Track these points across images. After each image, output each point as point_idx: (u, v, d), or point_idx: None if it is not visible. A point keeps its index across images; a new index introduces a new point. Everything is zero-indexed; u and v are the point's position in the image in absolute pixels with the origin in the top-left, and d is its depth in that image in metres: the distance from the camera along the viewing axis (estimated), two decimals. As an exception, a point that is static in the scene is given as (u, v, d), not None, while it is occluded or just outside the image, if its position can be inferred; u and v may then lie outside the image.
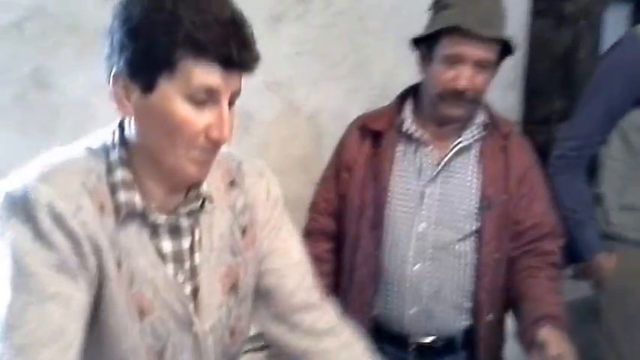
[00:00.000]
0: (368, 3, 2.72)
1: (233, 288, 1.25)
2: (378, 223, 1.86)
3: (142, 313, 1.12)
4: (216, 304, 1.22)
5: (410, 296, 1.85)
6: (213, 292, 1.21)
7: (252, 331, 1.34)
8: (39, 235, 1.02)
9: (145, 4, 1.03)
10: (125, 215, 1.11)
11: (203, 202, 1.20)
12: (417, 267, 1.84)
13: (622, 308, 2.29)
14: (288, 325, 1.31)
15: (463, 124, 1.88)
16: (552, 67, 3.33)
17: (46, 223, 1.02)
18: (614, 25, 3.52)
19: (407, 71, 2.78)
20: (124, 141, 1.13)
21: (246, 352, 1.67)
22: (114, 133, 1.15)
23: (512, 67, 3.19)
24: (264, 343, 1.43)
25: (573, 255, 2.28)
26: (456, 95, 1.78)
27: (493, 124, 1.90)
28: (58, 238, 1.03)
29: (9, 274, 1.02)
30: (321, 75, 2.70)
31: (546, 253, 1.91)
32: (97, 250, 1.07)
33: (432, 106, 1.85)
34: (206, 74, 1.03)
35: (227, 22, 1.02)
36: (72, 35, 2.06)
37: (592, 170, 2.36)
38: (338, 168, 1.96)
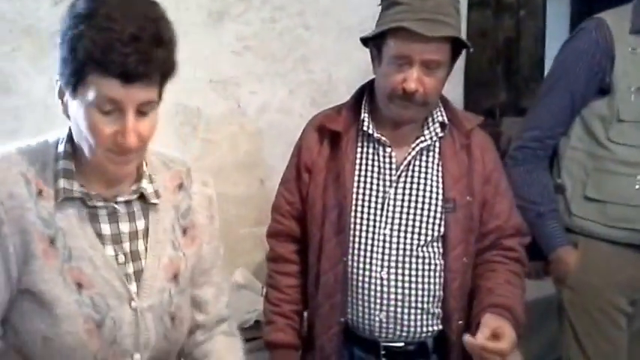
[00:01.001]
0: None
1: (175, 277, 1.37)
2: (342, 228, 1.80)
3: (80, 286, 1.25)
4: (158, 288, 1.34)
5: (378, 301, 1.78)
6: (155, 277, 1.34)
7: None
8: None
9: (67, 22, 1.18)
10: (62, 199, 1.25)
11: (142, 195, 1.34)
12: (383, 272, 1.78)
13: (583, 303, 2.24)
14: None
15: (421, 123, 1.81)
16: (494, 57, 3.32)
17: None
18: (556, 12, 3.58)
19: (348, 66, 2.83)
20: (71, 137, 1.28)
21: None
22: (68, 129, 1.28)
23: (453, 59, 3.25)
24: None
25: (537, 251, 2.23)
26: (405, 97, 1.70)
27: (454, 122, 1.83)
28: None
29: None
30: (265, 71, 2.67)
31: (508, 249, 1.88)
32: (22, 233, 1.22)
33: (383, 107, 1.78)
34: (107, 88, 1.15)
35: (127, 39, 1.13)
36: (29, 39, 2.06)
37: (551, 161, 2.32)
38: (298, 170, 1.89)
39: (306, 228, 1.90)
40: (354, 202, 1.80)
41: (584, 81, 2.16)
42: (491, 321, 1.67)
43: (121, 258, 1.31)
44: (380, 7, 1.78)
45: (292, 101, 2.73)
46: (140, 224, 1.34)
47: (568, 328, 2.27)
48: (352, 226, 1.80)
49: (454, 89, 3.31)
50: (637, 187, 2.14)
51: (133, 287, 1.31)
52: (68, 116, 1.25)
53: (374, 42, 1.77)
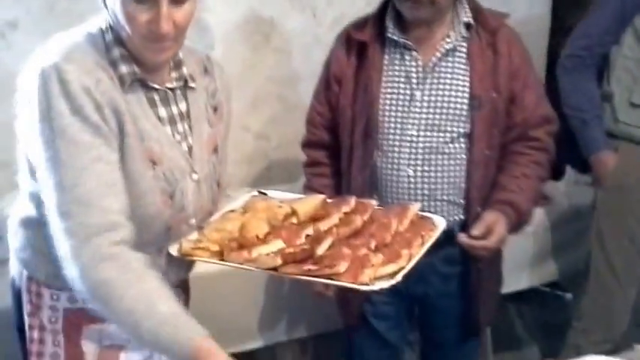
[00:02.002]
0: None
1: (215, 150, 1.53)
2: (370, 133, 1.88)
3: (153, 163, 1.38)
4: (206, 160, 1.50)
5: (406, 198, 1.87)
6: (202, 150, 1.49)
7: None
8: (75, 109, 1.28)
9: None
10: (130, 83, 1.36)
11: (185, 81, 1.46)
12: (410, 170, 1.86)
13: (615, 204, 2.37)
14: None
15: (448, 25, 1.86)
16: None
17: (79, 97, 1.27)
18: None
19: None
20: (112, 27, 1.37)
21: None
22: (106, 22, 1.38)
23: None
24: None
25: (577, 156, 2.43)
26: None
27: (480, 22, 1.87)
28: (89, 109, 1.28)
29: (57, 147, 1.27)
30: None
31: (534, 139, 1.94)
32: (117, 113, 1.32)
33: (399, 9, 1.85)
34: None
35: None
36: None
37: (601, 70, 2.40)
38: (328, 81, 1.98)
39: (337, 137, 2.00)
40: (380, 106, 1.88)
41: None
42: (488, 217, 1.82)
43: (177, 137, 1.45)
44: None
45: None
46: (183, 106, 1.47)
47: (596, 228, 2.42)
48: (380, 130, 1.88)
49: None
50: None
51: (191, 162, 1.46)
52: (106, 6, 1.35)
53: None
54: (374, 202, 1.57)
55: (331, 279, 1.30)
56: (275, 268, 1.33)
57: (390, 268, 1.33)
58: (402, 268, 1.34)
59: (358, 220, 1.45)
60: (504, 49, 1.87)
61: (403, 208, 1.53)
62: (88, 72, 1.30)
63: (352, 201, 1.52)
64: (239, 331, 2.33)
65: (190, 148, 1.47)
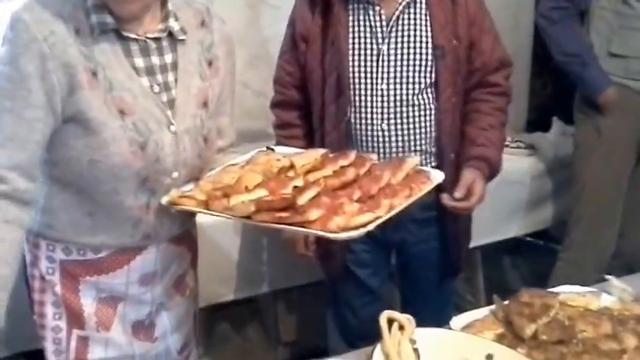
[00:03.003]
0: None
1: (205, 104, 1.53)
2: (342, 90, 1.94)
3: (122, 113, 1.39)
4: (191, 114, 1.49)
5: (382, 151, 1.95)
6: (187, 104, 1.49)
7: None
8: (12, 56, 1.32)
9: None
10: (98, 34, 1.37)
11: (169, 33, 1.46)
12: (384, 124, 1.94)
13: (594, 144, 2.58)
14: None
15: None
16: None
17: (20, 46, 1.31)
18: None
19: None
20: None
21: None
22: None
23: None
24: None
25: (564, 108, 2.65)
26: None
27: None
28: (25, 58, 1.31)
29: None
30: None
31: (493, 84, 2.03)
32: (66, 66, 1.34)
33: None
34: None
35: None
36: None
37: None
38: (294, 40, 2.01)
39: (307, 95, 2.04)
40: (350, 63, 1.93)
41: None
42: (466, 177, 1.91)
43: (156, 88, 1.44)
44: None
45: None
46: (168, 58, 1.47)
47: (577, 169, 2.67)
48: (351, 86, 1.94)
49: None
50: None
51: (170, 114, 1.45)
52: None
53: None
54: (374, 157, 1.60)
55: (303, 227, 1.30)
56: (249, 217, 1.33)
57: (366, 217, 1.31)
58: (379, 217, 1.32)
59: (350, 173, 1.44)
60: None
61: (400, 162, 1.55)
62: (42, 22, 1.32)
63: (352, 155, 1.52)
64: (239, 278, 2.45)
65: (172, 101, 1.47)
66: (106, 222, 1.48)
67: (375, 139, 1.95)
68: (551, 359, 1.36)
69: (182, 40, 1.48)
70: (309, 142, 2.04)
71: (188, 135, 1.48)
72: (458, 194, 1.88)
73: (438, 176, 1.55)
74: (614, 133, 2.52)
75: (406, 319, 1.38)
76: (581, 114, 2.62)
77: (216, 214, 1.37)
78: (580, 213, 2.66)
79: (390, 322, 1.37)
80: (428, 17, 1.92)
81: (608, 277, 1.65)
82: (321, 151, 1.55)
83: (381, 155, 1.93)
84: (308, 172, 1.45)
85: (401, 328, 1.36)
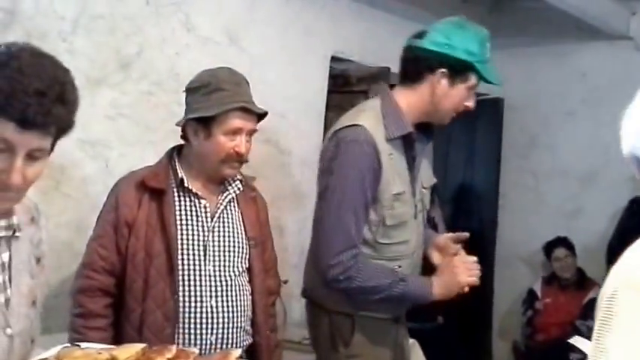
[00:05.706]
0: (184, 79, 2.95)
1: (34, 303, 1.47)
2: (171, 270, 2.06)
3: None
4: (24, 314, 1.43)
5: (209, 326, 2.08)
6: (21, 304, 1.43)
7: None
8: None
9: None
10: None
11: (14, 231, 1.42)
12: (212, 301, 2.09)
13: None
14: None
15: (224, 181, 2.20)
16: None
17: None
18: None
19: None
20: None
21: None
22: None
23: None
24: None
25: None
26: (237, 159, 2.10)
27: (245, 179, 2.26)
28: None
29: None
30: (137, 138, 2.86)
31: (272, 292, 2.35)
32: None
33: (212, 169, 2.12)
34: (3, 128, 1.24)
35: (32, 92, 1.24)
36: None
37: None
38: (116, 226, 2.07)
39: (122, 279, 2.08)
40: (179, 247, 2.08)
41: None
42: None
43: None
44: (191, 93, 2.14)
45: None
46: (5, 257, 1.41)
47: None
48: (180, 267, 2.07)
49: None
50: None
51: (7, 315, 1.37)
52: None
53: (200, 120, 2.07)
54: (195, 350, 1.60)
55: None
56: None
57: None
58: None
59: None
60: (260, 202, 2.31)
61: (224, 355, 1.61)
62: None
63: (174, 348, 1.53)
64: None
65: (7, 301, 1.40)
66: None
67: (205, 315, 2.07)
68: None
69: (17, 237, 1.44)
70: (114, 333, 2.06)
71: (20, 337, 1.41)
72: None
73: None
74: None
75: None
76: None
77: None
78: None
79: None
80: (241, 215, 2.21)
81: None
82: (140, 345, 1.55)
83: (209, 330, 2.07)
84: (133, 365, 1.44)
85: None
